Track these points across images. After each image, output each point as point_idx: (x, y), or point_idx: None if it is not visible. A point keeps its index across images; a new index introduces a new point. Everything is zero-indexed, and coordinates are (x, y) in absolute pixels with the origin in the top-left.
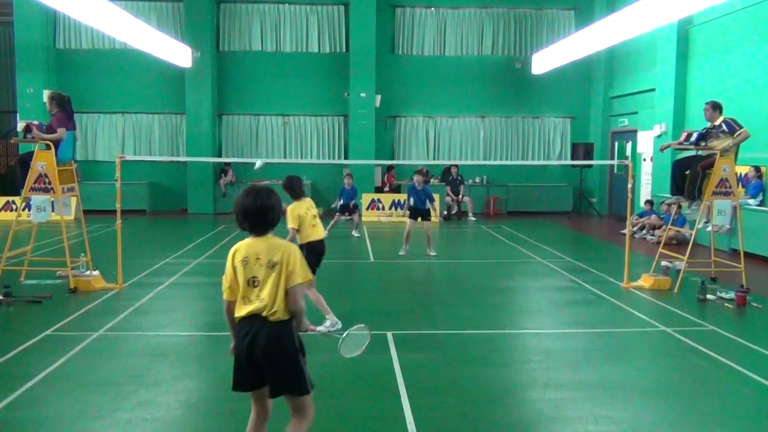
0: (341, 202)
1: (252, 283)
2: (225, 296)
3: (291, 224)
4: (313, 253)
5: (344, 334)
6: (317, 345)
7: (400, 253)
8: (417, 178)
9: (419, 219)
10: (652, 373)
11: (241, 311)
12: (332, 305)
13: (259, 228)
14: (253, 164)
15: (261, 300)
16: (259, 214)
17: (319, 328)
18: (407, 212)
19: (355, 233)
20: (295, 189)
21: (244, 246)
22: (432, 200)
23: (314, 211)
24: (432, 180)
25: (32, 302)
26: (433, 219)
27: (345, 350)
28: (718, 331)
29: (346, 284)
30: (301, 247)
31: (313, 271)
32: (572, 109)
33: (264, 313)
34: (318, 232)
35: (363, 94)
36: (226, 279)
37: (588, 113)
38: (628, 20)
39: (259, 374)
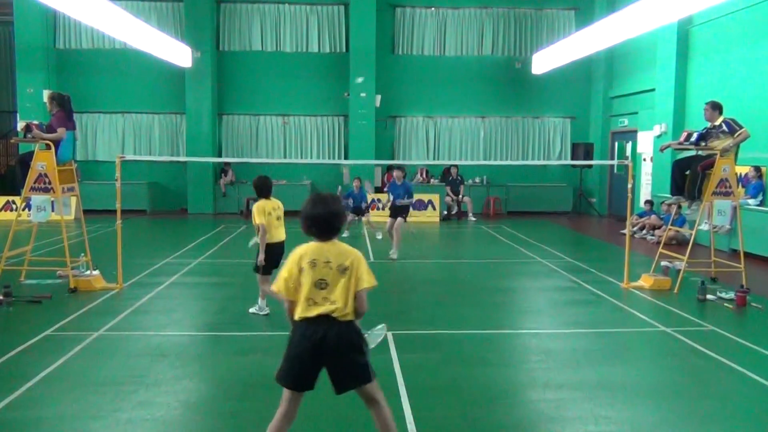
0: (351, 204)
1: (319, 285)
2: (286, 296)
3: (258, 220)
4: (271, 254)
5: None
6: None
7: (392, 256)
8: (397, 174)
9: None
10: (652, 373)
11: (307, 312)
12: None
13: (326, 234)
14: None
15: (332, 302)
16: (327, 221)
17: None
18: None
19: (378, 234)
20: (260, 188)
21: (312, 249)
22: (411, 195)
23: (279, 212)
24: (432, 180)
25: (32, 302)
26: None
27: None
28: (718, 331)
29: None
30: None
31: (266, 272)
32: (572, 109)
33: (335, 315)
34: (279, 234)
35: (363, 94)
36: (288, 279)
37: (588, 113)
38: (628, 20)
39: (316, 374)
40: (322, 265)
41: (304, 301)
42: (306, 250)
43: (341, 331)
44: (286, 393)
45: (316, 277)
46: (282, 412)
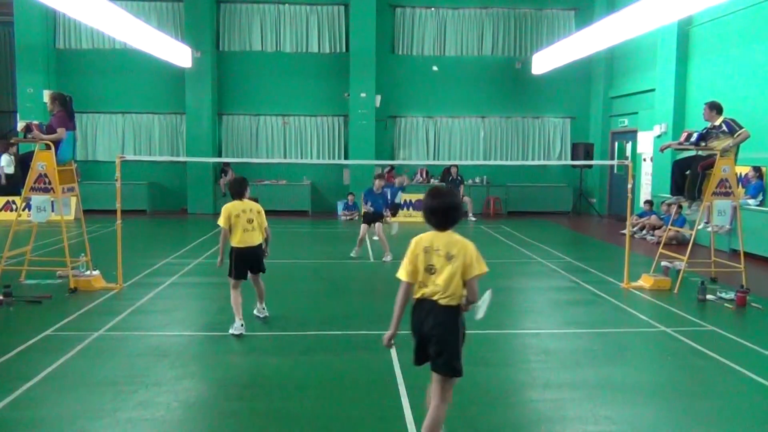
0: (371, 208)
1: (429, 270)
2: (405, 278)
3: (221, 222)
4: (240, 259)
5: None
6: (318, 345)
7: (351, 254)
8: (377, 183)
9: (373, 224)
10: (652, 373)
11: (416, 294)
12: (332, 305)
13: (443, 224)
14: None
15: (436, 285)
16: (445, 213)
17: (232, 331)
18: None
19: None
20: (231, 189)
21: (428, 237)
22: (388, 204)
23: (252, 215)
24: (432, 180)
25: (32, 302)
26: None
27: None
28: (717, 331)
29: (346, 284)
30: (231, 250)
31: (236, 276)
32: (572, 109)
33: (435, 297)
34: (249, 238)
35: (363, 94)
36: (409, 264)
37: (588, 113)
38: (628, 20)
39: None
40: (432, 251)
41: (417, 284)
42: (423, 237)
43: (439, 316)
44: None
45: (427, 263)
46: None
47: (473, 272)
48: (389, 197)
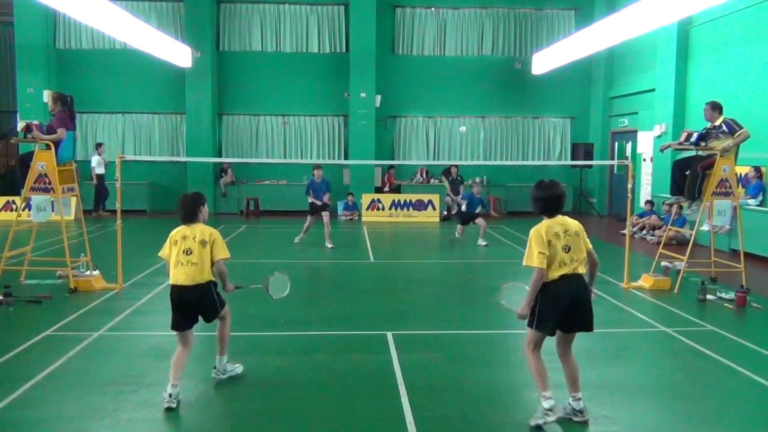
0: (464, 207)
1: (566, 249)
2: (541, 265)
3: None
4: (174, 302)
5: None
6: (318, 345)
7: (295, 241)
8: (317, 173)
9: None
10: (652, 373)
11: (557, 272)
12: (332, 305)
13: (555, 211)
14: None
15: (574, 261)
16: (557, 201)
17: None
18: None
19: (481, 242)
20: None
21: (547, 225)
22: (328, 190)
23: (188, 244)
24: (432, 180)
25: (32, 302)
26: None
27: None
28: (718, 331)
29: (346, 284)
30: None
31: (172, 325)
32: (572, 109)
33: (578, 271)
34: (176, 274)
35: (363, 94)
36: (543, 252)
37: (588, 113)
38: (628, 20)
39: (575, 317)
40: (562, 233)
41: (556, 264)
42: (542, 227)
43: (581, 285)
44: (537, 335)
45: (564, 243)
46: (538, 354)
47: (589, 246)
48: (470, 206)
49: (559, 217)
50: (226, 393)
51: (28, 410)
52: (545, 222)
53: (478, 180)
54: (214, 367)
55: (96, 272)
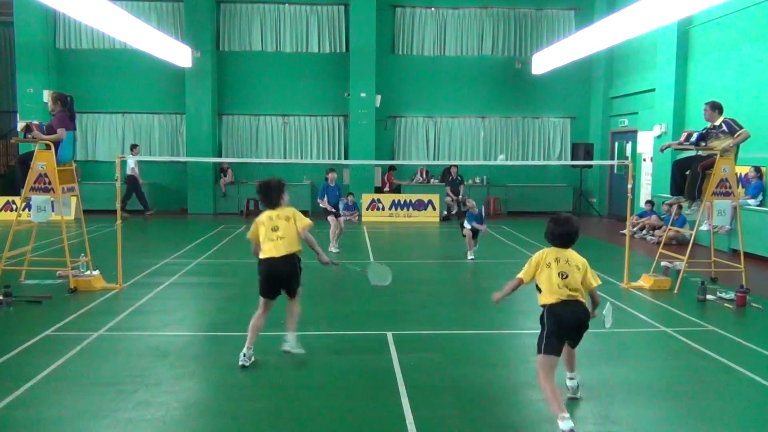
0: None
1: (562, 276)
2: (525, 278)
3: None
4: (260, 273)
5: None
6: (318, 345)
7: (332, 250)
8: (331, 176)
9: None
10: (652, 373)
11: (553, 297)
12: (332, 305)
13: (567, 245)
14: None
15: (571, 290)
16: (568, 237)
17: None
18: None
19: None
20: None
21: (554, 252)
22: (341, 195)
23: (275, 222)
24: (432, 180)
25: (32, 302)
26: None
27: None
28: (718, 331)
29: (347, 284)
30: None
31: (261, 292)
32: (572, 109)
33: (577, 297)
34: (267, 249)
35: (363, 94)
36: (532, 269)
37: (588, 113)
38: (628, 20)
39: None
40: (563, 262)
41: (550, 289)
42: (547, 252)
43: (582, 307)
44: (548, 359)
45: (559, 270)
46: (552, 378)
47: (593, 283)
48: (474, 223)
49: (567, 251)
50: (227, 393)
51: (28, 410)
52: (552, 249)
53: (477, 179)
54: (285, 340)
55: (96, 272)
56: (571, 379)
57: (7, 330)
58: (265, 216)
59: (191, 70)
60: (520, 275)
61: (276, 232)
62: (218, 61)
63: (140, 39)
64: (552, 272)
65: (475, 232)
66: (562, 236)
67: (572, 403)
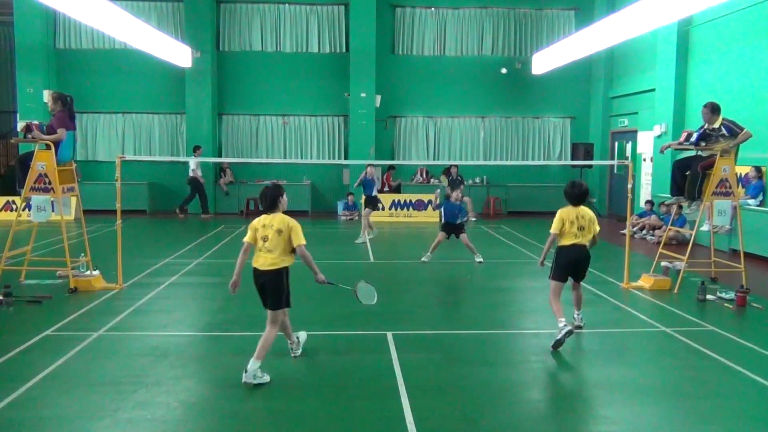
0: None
1: (580, 228)
2: (553, 231)
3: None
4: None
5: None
6: (318, 345)
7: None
8: (370, 170)
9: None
10: (652, 373)
11: (568, 241)
12: (332, 306)
13: (578, 202)
14: None
15: (582, 236)
16: (580, 196)
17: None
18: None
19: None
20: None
21: (568, 210)
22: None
23: (266, 231)
24: (432, 180)
25: (32, 302)
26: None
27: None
28: (717, 331)
29: (347, 284)
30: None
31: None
32: (572, 109)
33: (583, 242)
34: (256, 258)
35: (363, 94)
36: (561, 224)
37: (588, 113)
38: (628, 20)
39: (574, 272)
40: (575, 218)
41: (569, 235)
42: (565, 211)
43: (585, 253)
44: (556, 284)
45: (578, 224)
46: (558, 292)
47: (597, 229)
48: (448, 216)
49: (581, 208)
50: (227, 393)
51: (28, 410)
52: (568, 208)
53: (477, 179)
54: (246, 370)
55: (96, 272)
56: (577, 315)
57: (7, 330)
58: (259, 222)
59: (191, 70)
60: (552, 231)
61: (265, 242)
62: (218, 61)
63: (140, 39)
64: (571, 226)
65: (450, 232)
66: (575, 196)
67: (571, 402)
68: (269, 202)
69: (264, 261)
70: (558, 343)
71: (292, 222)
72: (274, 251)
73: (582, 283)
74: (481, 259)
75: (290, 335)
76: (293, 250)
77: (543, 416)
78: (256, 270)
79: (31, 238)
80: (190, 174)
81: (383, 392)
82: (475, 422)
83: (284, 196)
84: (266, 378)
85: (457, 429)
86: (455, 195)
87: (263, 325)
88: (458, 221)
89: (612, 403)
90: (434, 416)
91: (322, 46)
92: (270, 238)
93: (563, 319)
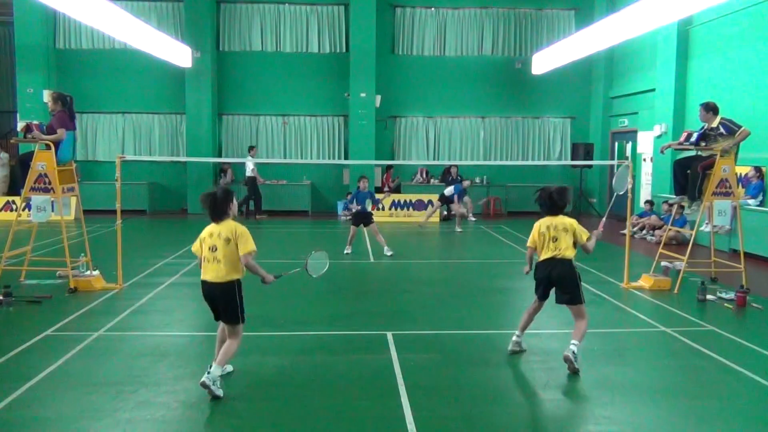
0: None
1: (554, 239)
2: (528, 244)
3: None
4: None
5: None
6: (318, 345)
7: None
8: (363, 184)
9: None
10: (652, 373)
11: (544, 255)
12: (332, 305)
13: (553, 212)
14: None
15: (558, 249)
16: (554, 204)
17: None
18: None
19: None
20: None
21: (546, 221)
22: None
23: (213, 241)
24: (432, 180)
25: (32, 302)
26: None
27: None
28: (717, 331)
29: (347, 284)
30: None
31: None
32: (572, 109)
33: (559, 256)
34: (204, 270)
35: (363, 94)
36: (535, 237)
37: (588, 113)
38: (628, 20)
39: (549, 290)
40: (552, 229)
41: (543, 249)
42: (542, 222)
43: (566, 266)
44: (535, 302)
45: (550, 235)
46: (533, 309)
47: (583, 239)
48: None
49: (558, 217)
50: (227, 393)
51: (28, 410)
52: (542, 219)
53: (477, 179)
54: (208, 372)
55: (96, 272)
56: (572, 345)
57: (7, 330)
58: (207, 231)
59: (191, 70)
60: (528, 244)
61: (213, 252)
62: (218, 61)
63: (140, 39)
64: (545, 237)
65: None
66: (545, 202)
67: (571, 402)
68: (216, 209)
69: (214, 273)
70: (512, 352)
71: (240, 228)
72: (222, 262)
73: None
74: (391, 252)
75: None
76: None
77: (543, 416)
78: (205, 283)
79: (31, 238)
80: (249, 174)
81: (383, 392)
82: (475, 422)
83: (234, 202)
84: (221, 393)
85: (457, 429)
86: (363, 184)
87: (263, 325)
88: (369, 210)
89: (612, 403)
90: (434, 416)
91: (322, 46)
92: (218, 248)
93: (519, 332)
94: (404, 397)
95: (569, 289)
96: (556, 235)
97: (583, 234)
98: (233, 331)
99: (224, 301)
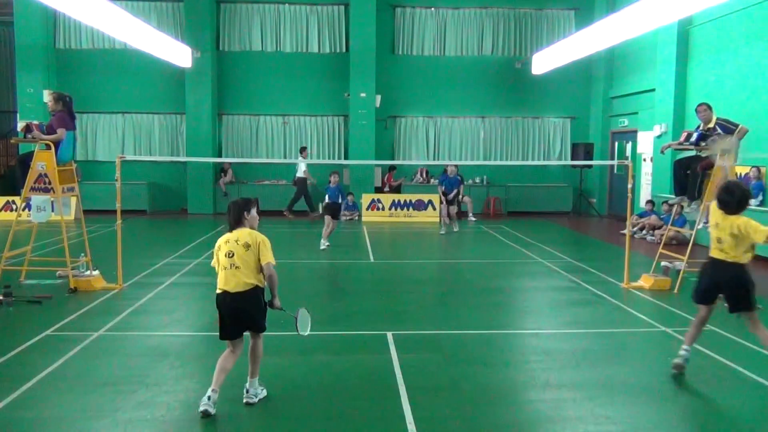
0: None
1: (718, 240)
2: None
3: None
4: (220, 310)
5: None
6: (318, 345)
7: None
8: (333, 178)
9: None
10: (652, 373)
11: (712, 254)
12: (332, 305)
13: (731, 209)
14: None
15: (730, 253)
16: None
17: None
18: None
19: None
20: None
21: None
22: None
23: (231, 246)
24: (432, 180)
25: (32, 302)
26: None
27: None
28: (718, 331)
29: (347, 284)
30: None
31: (222, 335)
32: (572, 109)
33: (728, 258)
34: (221, 278)
35: (363, 94)
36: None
37: (588, 113)
38: (628, 20)
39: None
40: (717, 228)
41: (713, 248)
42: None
43: (732, 274)
44: (701, 308)
45: (716, 235)
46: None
47: (755, 237)
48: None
49: (729, 216)
50: (226, 393)
51: (28, 410)
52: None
53: (477, 179)
54: (246, 390)
55: (96, 272)
56: (685, 350)
57: (7, 330)
58: (222, 240)
59: (191, 70)
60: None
61: (230, 258)
62: (218, 61)
63: (140, 39)
64: (713, 233)
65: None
66: (732, 203)
67: (571, 402)
68: (234, 217)
69: (234, 281)
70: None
71: (261, 236)
72: (242, 268)
73: (581, 283)
74: (326, 246)
75: (221, 381)
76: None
77: (543, 416)
78: (226, 295)
79: (31, 238)
80: (301, 175)
81: (383, 392)
82: (475, 422)
83: (252, 211)
84: (264, 392)
85: (457, 429)
86: (333, 179)
87: None
88: (338, 201)
89: (612, 403)
90: (434, 416)
91: (322, 46)
92: (236, 254)
93: (686, 347)
94: (404, 397)
95: (734, 294)
96: (721, 236)
97: (756, 235)
98: (260, 338)
99: (251, 310)
